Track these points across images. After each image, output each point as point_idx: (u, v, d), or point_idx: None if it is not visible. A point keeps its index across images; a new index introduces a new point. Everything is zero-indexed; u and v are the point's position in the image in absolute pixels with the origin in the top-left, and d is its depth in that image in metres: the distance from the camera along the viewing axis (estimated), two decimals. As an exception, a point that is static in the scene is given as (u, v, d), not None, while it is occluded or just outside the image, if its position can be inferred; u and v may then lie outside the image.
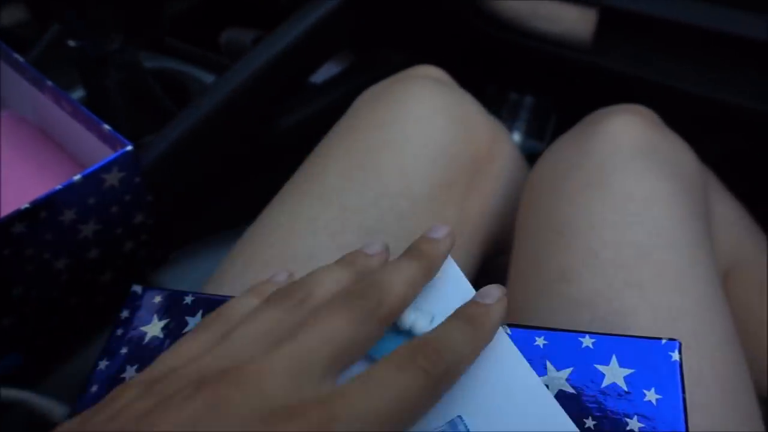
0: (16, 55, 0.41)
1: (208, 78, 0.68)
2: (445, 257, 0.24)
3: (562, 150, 0.38)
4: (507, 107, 0.76)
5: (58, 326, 0.39)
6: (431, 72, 0.44)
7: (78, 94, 0.63)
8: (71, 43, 0.52)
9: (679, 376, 0.21)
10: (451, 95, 0.41)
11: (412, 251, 0.23)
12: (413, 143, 0.37)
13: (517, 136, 0.73)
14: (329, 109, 0.61)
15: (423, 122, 0.38)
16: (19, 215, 0.32)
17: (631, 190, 0.32)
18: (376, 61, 0.65)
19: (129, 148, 0.35)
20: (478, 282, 0.40)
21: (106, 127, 0.36)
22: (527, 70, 0.66)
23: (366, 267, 0.23)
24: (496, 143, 0.42)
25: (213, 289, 0.35)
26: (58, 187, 0.33)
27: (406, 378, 0.18)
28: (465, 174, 0.38)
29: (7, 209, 0.40)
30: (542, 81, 0.67)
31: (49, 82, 0.39)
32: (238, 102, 0.51)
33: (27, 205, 0.32)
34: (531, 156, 0.71)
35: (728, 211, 0.41)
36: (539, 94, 0.72)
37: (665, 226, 0.30)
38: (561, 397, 0.22)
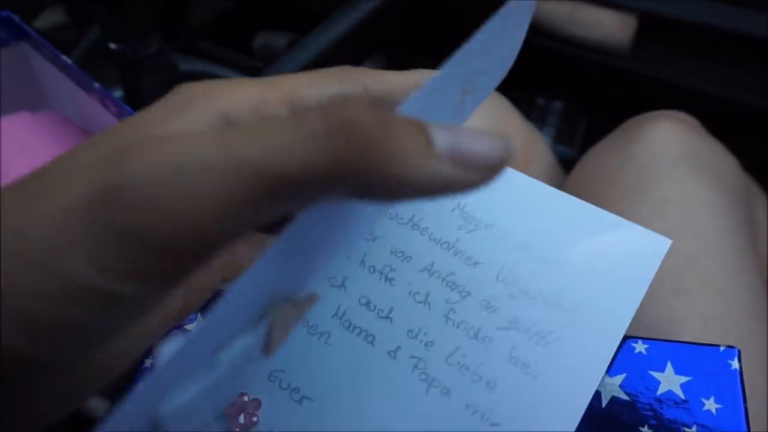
0: (64, 57, 0.42)
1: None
2: None
3: (602, 155, 0.38)
4: (535, 112, 0.76)
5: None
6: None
7: (115, 95, 0.65)
8: (112, 45, 0.53)
9: (740, 385, 0.21)
10: (487, 99, 0.41)
11: None
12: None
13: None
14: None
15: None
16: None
17: (676, 197, 0.32)
18: (405, 65, 0.65)
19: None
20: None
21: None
22: (558, 76, 0.65)
23: None
24: (531, 146, 0.42)
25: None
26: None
27: None
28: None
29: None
30: (573, 87, 0.66)
31: (96, 84, 0.40)
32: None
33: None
34: (560, 162, 0.71)
35: (770, 219, 0.40)
36: (569, 99, 0.72)
37: (710, 233, 0.30)
38: (615, 404, 0.22)
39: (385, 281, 0.23)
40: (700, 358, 0.22)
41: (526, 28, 0.18)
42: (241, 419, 0.21)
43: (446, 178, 0.13)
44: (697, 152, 0.35)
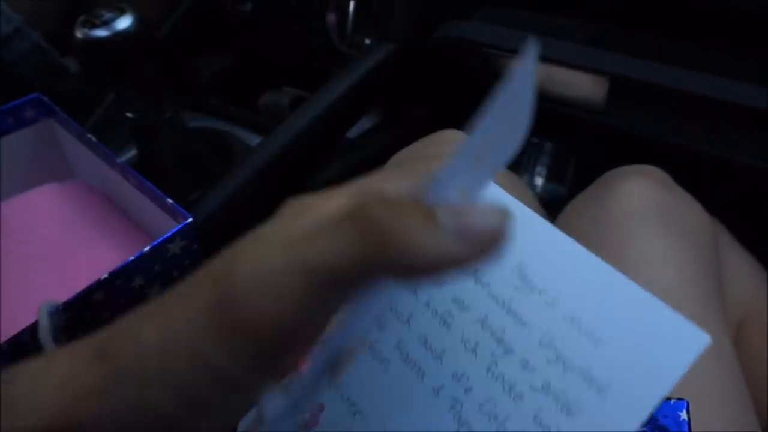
0: (90, 136, 0.46)
1: (246, 135, 0.73)
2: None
3: (579, 211, 0.41)
4: (527, 151, 0.79)
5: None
6: (455, 136, 0.48)
7: (132, 152, 0.70)
8: (129, 114, 0.58)
9: (687, 434, 0.24)
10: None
11: None
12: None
13: (538, 180, 0.76)
14: (362, 163, 0.65)
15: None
16: (98, 284, 0.36)
17: (645, 252, 0.35)
18: (403, 116, 0.69)
19: (190, 220, 0.40)
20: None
21: (170, 201, 0.41)
22: (546, 124, 0.69)
23: None
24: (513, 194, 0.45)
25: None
26: (131, 258, 0.37)
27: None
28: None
29: (78, 271, 0.44)
30: (561, 133, 0.70)
31: (119, 160, 0.44)
32: (282, 161, 0.56)
33: (106, 275, 0.36)
34: (552, 200, 0.74)
35: (739, 263, 0.43)
36: (559, 141, 0.76)
37: (677, 288, 0.33)
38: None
39: (443, 325, 0.26)
40: (655, 410, 0.25)
41: (531, 93, 0.18)
42: (307, 416, 0.25)
43: (454, 254, 0.15)
44: (666, 208, 0.38)
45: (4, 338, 0.39)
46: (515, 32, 0.53)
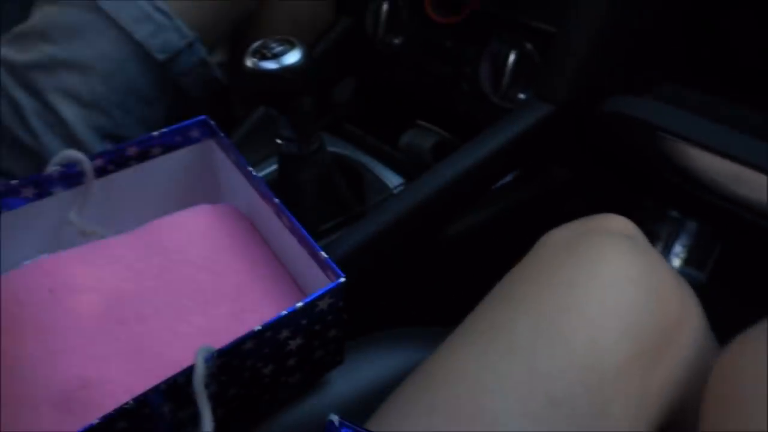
0: (250, 169, 0.47)
1: (375, 165, 0.73)
2: None
3: (755, 351, 0.37)
4: (666, 227, 0.74)
5: (250, 417, 0.44)
6: (621, 226, 0.45)
7: (270, 167, 0.72)
8: (278, 141, 0.59)
9: None
10: (644, 260, 0.41)
11: None
12: (606, 313, 0.38)
13: (675, 261, 0.70)
14: (499, 217, 0.63)
15: (617, 291, 0.39)
16: (252, 334, 0.37)
17: None
18: (543, 173, 0.66)
19: (342, 279, 0.39)
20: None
21: (323, 254, 0.41)
22: (693, 202, 0.63)
23: None
24: (684, 312, 0.41)
25: (396, 424, 0.37)
26: (284, 312, 0.37)
27: None
28: (653, 345, 0.38)
29: (221, 301, 0.45)
30: (709, 216, 0.64)
31: (276, 200, 0.45)
32: (423, 209, 0.55)
33: (259, 327, 0.37)
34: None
35: None
36: (706, 219, 0.70)
37: None
38: None
39: None
40: None
41: None
42: None
43: None
44: None
45: (147, 356, 0.41)
46: (696, 119, 0.49)
